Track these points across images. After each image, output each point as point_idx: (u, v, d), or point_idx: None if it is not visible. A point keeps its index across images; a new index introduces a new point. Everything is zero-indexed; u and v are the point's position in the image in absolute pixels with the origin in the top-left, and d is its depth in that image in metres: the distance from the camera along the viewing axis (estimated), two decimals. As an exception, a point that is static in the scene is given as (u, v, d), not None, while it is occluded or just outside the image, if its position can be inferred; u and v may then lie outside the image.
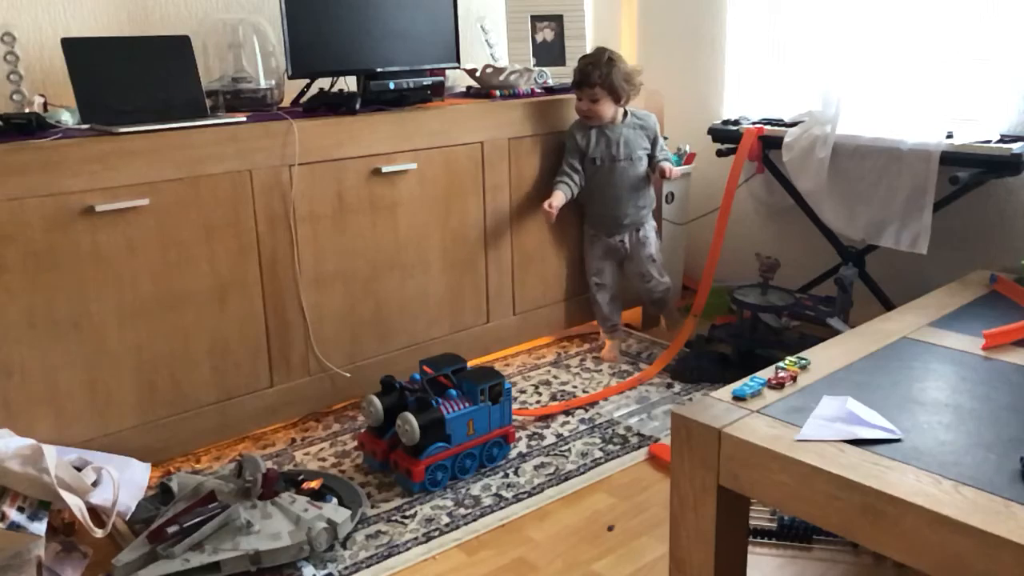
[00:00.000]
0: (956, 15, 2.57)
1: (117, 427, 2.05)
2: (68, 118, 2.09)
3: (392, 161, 2.39)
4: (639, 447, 2.26)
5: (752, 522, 1.83)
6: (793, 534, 1.80)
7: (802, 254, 3.11)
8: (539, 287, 2.85)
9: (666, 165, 2.72)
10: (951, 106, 2.62)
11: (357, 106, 2.36)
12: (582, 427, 2.39)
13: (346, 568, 1.78)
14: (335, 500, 1.94)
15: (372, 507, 2.01)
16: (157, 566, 1.67)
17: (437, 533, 1.91)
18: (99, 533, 1.69)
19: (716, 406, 1.52)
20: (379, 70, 2.51)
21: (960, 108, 2.62)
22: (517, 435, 2.34)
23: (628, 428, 2.37)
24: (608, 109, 2.63)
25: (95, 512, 1.73)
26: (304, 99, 2.47)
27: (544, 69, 2.90)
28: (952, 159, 2.47)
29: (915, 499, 1.21)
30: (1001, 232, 2.62)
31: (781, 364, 1.68)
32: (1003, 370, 1.66)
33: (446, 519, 1.96)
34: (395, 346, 2.52)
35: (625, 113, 2.71)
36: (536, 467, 2.18)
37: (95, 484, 1.75)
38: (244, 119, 2.16)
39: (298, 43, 2.35)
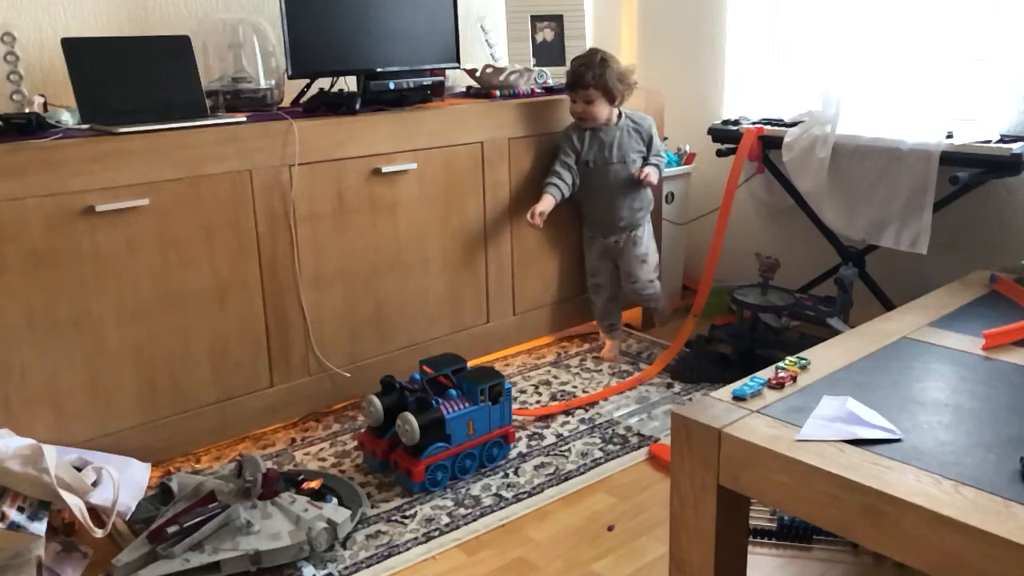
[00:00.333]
0: (956, 15, 2.57)
1: (117, 427, 2.05)
2: (68, 118, 2.09)
3: (392, 161, 2.39)
4: (639, 447, 2.26)
5: (752, 522, 1.83)
6: (793, 534, 1.80)
7: (802, 254, 3.11)
8: (539, 287, 2.85)
9: (647, 169, 2.65)
10: (951, 106, 2.62)
11: (357, 106, 2.36)
12: (582, 427, 2.39)
13: (346, 568, 1.78)
14: (335, 500, 1.94)
15: (372, 507, 2.01)
16: (157, 566, 1.67)
17: (437, 533, 1.91)
18: (99, 533, 1.69)
19: (716, 406, 1.52)
20: (379, 70, 2.51)
21: (960, 108, 2.62)
22: (517, 435, 2.34)
23: (628, 428, 2.37)
24: (603, 110, 2.61)
25: (95, 512, 1.73)
26: (304, 99, 2.47)
27: (544, 69, 2.90)
28: (952, 159, 2.47)
29: (915, 499, 1.21)
30: (1001, 232, 2.62)
31: (781, 364, 1.68)
32: (1003, 370, 1.66)
33: (446, 519, 1.96)
34: (395, 346, 2.52)
35: (620, 114, 2.69)
36: (536, 467, 2.18)
37: (95, 484, 1.75)
38: (244, 119, 2.16)
39: (298, 43, 2.35)
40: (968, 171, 2.42)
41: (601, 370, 2.77)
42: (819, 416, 1.46)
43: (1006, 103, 2.54)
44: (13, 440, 1.70)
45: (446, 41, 2.65)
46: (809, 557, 1.77)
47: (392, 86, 2.50)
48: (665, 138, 3.17)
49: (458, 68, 2.74)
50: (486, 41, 3.12)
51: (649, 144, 2.72)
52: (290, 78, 2.39)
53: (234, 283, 2.18)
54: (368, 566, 1.79)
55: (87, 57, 2.07)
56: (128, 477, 1.86)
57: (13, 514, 1.60)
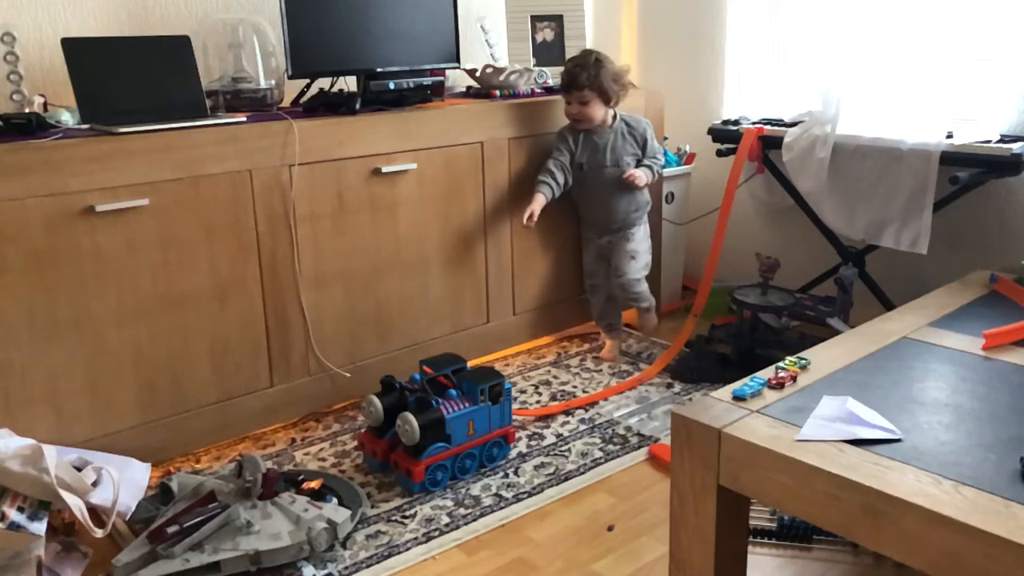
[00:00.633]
0: (956, 15, 2.57)
1: (117, 427, 2.05)
2: (68, 118, 2.09)
3: (392, 161, 2.39)
4: (639, 447, 2.26)
5: (752, 522, 1.83)
6: (793, 534, 1.80)
7: (802, 254, 3.11)
8: (539, 287, 2.85)
9: (634, 171, 2.62)
10: (951, 106, 2.62)
11: (357, 106, 2.36)
12: (582, 427, 2.39)
13: (346, 568, 1.78)
14: (335, 500, 1.94)
15: (372, 507, 2.01)
16: (157, 566, 1.67)
17: (437, 533, 1.91)
18: (99, 533, 1.69)
19: (716, 406, 1.52)
20: (379, 70, 2.51)
21: (960, 108, 2.62)
22: (517, 435, 2.34)
23: (628, 428, 2.37)
24: (598, 111, 2.59)
25: (95, 512, 1.73)
26: (304, 99, 2.47)
27: (544, 69, 2.90)
28: (952, 159, 2.47)
29: (915, 499, 1.21)
30: (1001, 232, 2.62)
31: (781, 364, 1.68)
32: (1003, 370, 1.66)
33: (446, 519, 1.96)
34: (395, 346, 2.52)
35: (615, 116, 2.67)
36: (536, 467, 2.18)
37: (95, 484, 1.75)
38: (244, 119, 2.16)
39: (298, 43, 2.34)
40: (968, 171, 2.42)
41: (601, 370, 2.77)
42: (819, 416, 1.46)
43: (1006, 103, 2.54)
44: (13, 440, 1.70)
45: (446, 41, 2.65)
46: (809, 557, 1.77)
47: (392, 86, 2.50)
48: (665, 138, 3.18)
49: (458, 68, 2.74)
50: (486, 41, 3.12)
51: (644, 147, 2.69)
52: (290, 78, 2.39)
53: (234, 283, 2.18)
54: (368, 566, 1.79)
55: (87, 57, 2.07)
56: (128, 477, 1.86)
57: (13, 514, 1.60)
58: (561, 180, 2.61)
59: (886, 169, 2.62)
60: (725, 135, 3.04)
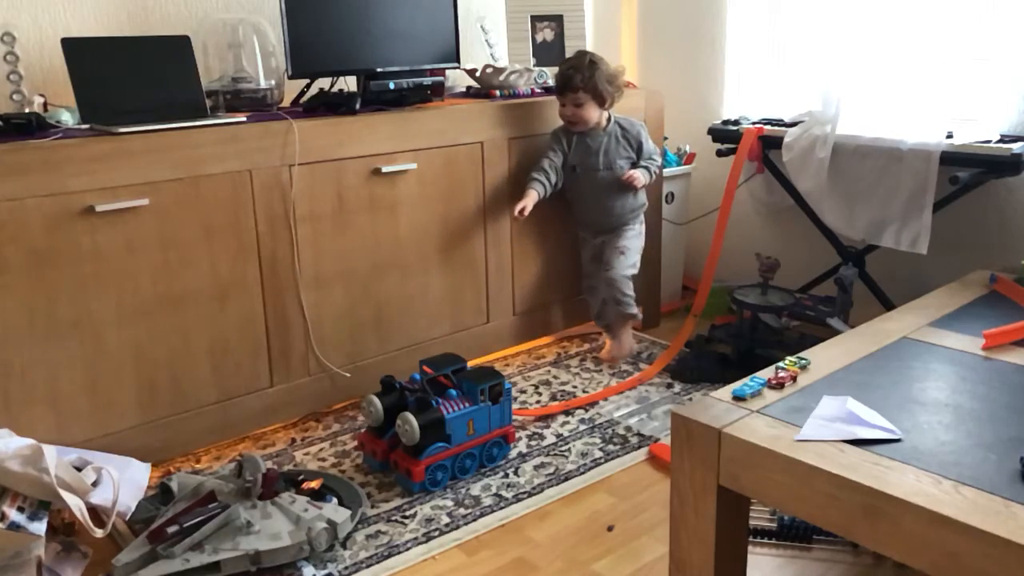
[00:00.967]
0: (956, 15, 2.57)
1: (117, 427, 2.05)
2: (68, 118, 2.09)
3: (392, 161, 2.39)
4: (639, 447, 2.26)
5: (752, 522, 1.83)
6: (793, 534, 1.80)
7: (802, 254, 3.11)
8: (539, 287, 2.85)
9: (632, 172, 2.60)
10: (951, 106, 2.62)
11: (357, 106, 2.36)
12: (582, 427, 2.39)
13: (346, 568, 1.78)
14: (335, 500, 1.94)
15: (372, 507, 2.01)
16: (157, 566, 1.67)
17: (437, 533, 1.91)
18: (99, 533, 1.69)
19: (716, 406, 1.52)
20: (379, 70, 2.51)
21: (960, 108, 2.62)
22: (517, 435, 2.34)
23: (628, 428, 2.37)
24: (593, 113, 2.57)
25: (95, 512, 1.73)
26: (304, 99, 2.47)
27: (544, 69, 2.90)
28: (952, 159, 2.47)
29: (915, 499, 1.21)
30: (1001, 232, 2.62)
31: (781, 364, 1.68)
32: (1003, 370, 1.66)
33: (446, 519, 1.96)
34: (395, 346, 2.52)
35: (609, 118, 2.64)
36: (536, 467, 2.18)
37: (95, 484, 1.75)
38: (244, 119, 2.16)
39: (298, 43, 2.34)
40: (968, 171, 2.42)
41: (601, 370, 2.77)
42: (819, 416, 1.46)
43: (1006, 103, 2.54)
44: (13, 440, 1.70)
45: (446, 41, 2.65)
46: (809, 557, 1.77)
47: (392, 86, 2.50)
48: (665, 138, 3.17)
49: (458, 68, 2.74)
50: (486, 41, 3.12)
51: (639, 150, 2.67)
52: (290, 78, 2.39)
53: (234, 283, 2.17)
54: (368, 566, 1.79)
55: (87, 57, 2.07)
56: (128, 477, 1.86)
57: (13, 514, 1.60)
58: (553, 180, 2.60)
59: (886, 169, 2.62)
60: (725, 135, 3.04)
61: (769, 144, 2.92)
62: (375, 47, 2.51)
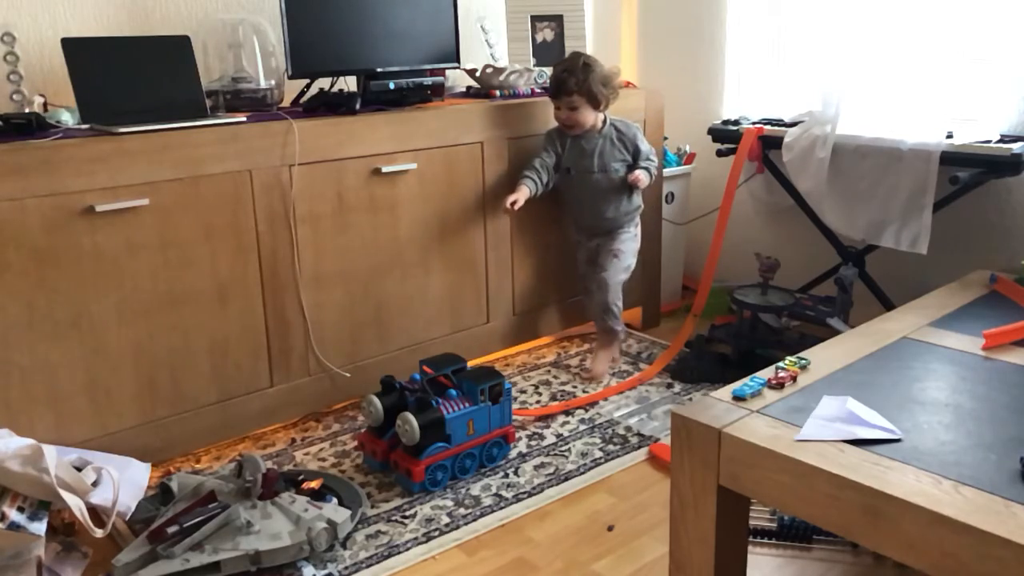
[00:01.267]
0: (956, 15, 2.57)
1: (117, 427, 2.05)
2: (68, 118, 2.09)
3: (392, 161, 2.39)
4: (639, 447, 2.26)
5: (752, 522, 1.83)
6: (793, 534, 1.80)
7: (802, 254, 3.11)
8: (539, 287, 2.85)
9: (638, 173, 2.56)
10: (951, 106, 2.61)
11: (357, 106, 2.36)
12: (582, 427, 2.39)
13: (346, 568, 1.79)
14: (335, 500, 1.94)
15: (372, 507, 2.01)
16: (157, 566, 1.67)
17: (437, 533, 1.91)
18: (99, 533, 1.69)
19: (716, 406, 1.52)
20: (379, 70, 2.51)
21: (960, 108, 2.62)
22: (517, 435, 2.34)
23: (628, 428, 2.37)
24: (589, 116, 2.53)
25: (95, 512, 1.73)
26: (304, 99, 2.47)
27: (544, 69, 2.90)
28: (952, 159, 2.47)
29: (915, 499, 1.21)
30: (1001, 232, 2.62)
31: (781, 364, 1.68)
32: (1003, 370, 1.66)
33: (446, 519, 1.96)
34: (395, 346, 2.52)
35: (605, 120, 2.60)
36: (536, 467, 2.18)
37: (95, 484, 1.75)
38: (244, 119, 2.16)
39: (298, 43, 2.34)
40: (968, 171, 2.42)
41: (601, 370, 2.77)
42: (819, 416, 1.46)
43: (1006, 103, 2.54)
44: (13, 440, 1.70)
45: (446, 41, 2.65)
46: (809, 557, 1.77)
47: (392, 86, 2.50)
48: (665, 138, 3.17)
49: (458, 68, 2.74)
50: (486, 41, 3.12)
51: (636, 153, 2.62)
52: (290, 78, 2.39)
53: (234, 283, 2.17)
54: (368, 566, 1.79)
55: (87, 57, 2.07)
56: (128, 477, 1.86)
57: (13, 514, 1.60)
58: (544, 179, 2.56)
59: (886, 169, 2.62)
60: (725, 135, 3.04)
61: (769, 144, 2.92)
62: (375, 47, 2.51)
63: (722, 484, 1.44)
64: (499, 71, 2.75)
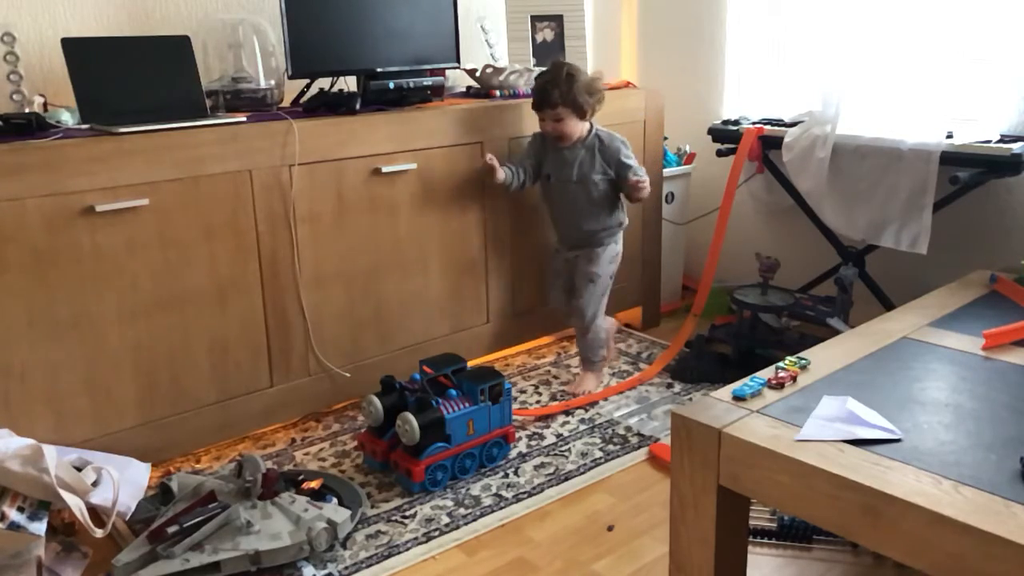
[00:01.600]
0: (956, 15, 2.57)
1: (117, 427, 2.05)
2: (68, 118, 2.09)
3: (392, 161, 2.39)
4: (639, 447, 2.26)
5: (752, 522, 1.83)
6: (793, 534, 1.80)
7: (802, 254, 3.11)
8: (539, 287, 2.85)
9: (633, 178, 2.45)
10: (951, 106, 2.61)
11: (357, 106, 2.36)
12: (582, 427, 2.39)
13: (346, 568, 1.78)
14: (335, 500, 1.94)
15: (372, 507, 2.01)
16: (157, 566, 1.67)
17: (437, 533, 1.91)
18: (99, 533, 1.69)
19: (716, 406, 1.52)
20: (379, 70, 2.51)
21: (960, 108, 2.62)
22: (517, 435, 2.34)
23: (628, 428, 2.37)
24: (575, 127, 2.44)
25: (95, 512, 1.73)
26: (304, 99, 2.47)
27: (544, 69, 2.90)
28: (952, 159, 2.47)
29: (915, 499, 1.21)
30: (1001, 232, 2.62)
31: (781, 364, 1.68)
32: (1003, 370, 1.66)
33: (446, 519, 1.96)
34: (395, 346, 2.52)
35: (591, 130, 2.50)
36: (536, 467, 2.18)
37: (95, 484, 1.75)
38: (244, 119, 2.16)
39: (298, 43, 2.34)
40: (968, 171, 2.42)
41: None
42: (819, 416, 1.46)
43: (1006, 103, 2.54)
44: (13, 440, 1.70)
45: (446, 41, 2.64)
46: (809, 557, 1.77)
47: (392, 86, 2.50)
48: (665, 138, 3.17)
49: (458, 68, 2.74)
50: (486, 41, 3.12)
51: (618, 168, 2.48)
52: (290, 78, 2.39)
53: (234, 283, 2.17)
54: (368, 566, 1.79)
55: (87, 57, 2.07)
56: (128, 477, 1.86)
57: (13, 514, 1.60)
58: (522, 177, 2.51)
59: (886, 169, 2.62)
60: (725, 135, 3.04)
61: (769, 144, 2.92)
62: (375, 47, 2.51)
63: (722, 484, 1.44)
64: (499, 71, 2.75)
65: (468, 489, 2.09)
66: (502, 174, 2.46)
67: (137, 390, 2.07)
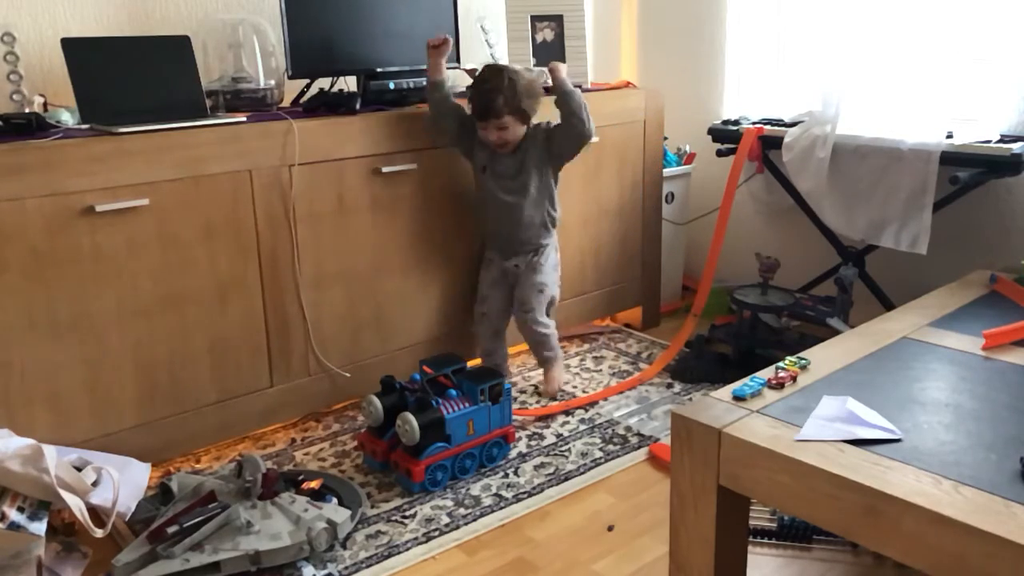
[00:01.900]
0: (956, 15, 2.57)
1: (117, 427, 2.05)
2: (68, 118, 2.09)
3: (392, 161, 2.39)
4: (639, 447, 2.26)
5: (752, 522, 1.83)
6: (793, 534, 1.80)
7: (802, 254, 3.11)
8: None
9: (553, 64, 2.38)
10: (951, 106, 2.62)
11: (357, 106, 2.36)
12: (582, 427, 2.39)
13: (346, 568, 1.78)
14: (335, 500, 1.94)
15: (372, 507, 2.01)
16: (157, 566, 1.67)
17: (437, 533, 1.91)
18: (99, 533, 1.69)
19: (716, 406, 1.52)
20: (379, 70, 2.51)
21: (960, 108, 2.62)
22: (517, 435, 2.34)
23: (628, 428, 2.37)
24: (518, 132, 2.37)
25: (95, 512, 1.73)
26: (304, 99, 2.47)
27: (544, 69, 2.89)
28: (952, 159, 2.47)
29: (915, 499, 1.21)
30: (1001, 232, 2.62)
31: (781, 364, 1.68)
32: (1003, 370, 1.66)
33: (446, 519, 1.96)
34: (395, 346, 2.52)
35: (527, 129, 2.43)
36: (536, 467, 2.18)
37: (95, 484, 1.75)
38: (244, 119, 2.16)
39: (298, 43, 2.34)
40: (968, 171, 2.42)
41: (601, 370, 2.77)
42: (819, 416, 1.46)
43: (1006, 103, 2.54)
44: (13, 440, 1.70)
45: (446, 41, 2.64)
46: (809, 557, 1.77)
47: (392, 86, 2.50)
48: (665, 138, 3.17)
49: (458, 68, 2.74)
50: (486, 41, 3.12)
51: (549, 135, 2.41)
52: (290, 78, 2.39)
53: (234, 283, 2.17)
54: (368, 566, 1.79)
55: (87, 57, 2.07)
56: (128, 477, 1.86)
57: (13, 514, 1.60)
58: (454, 113, 2.36)
59: (886, 169, 2.62)
60: (725, 135, 3.04)
61: (769, 144, 2.92)
62: (375, 47, 2.51)
63: (722, 484, 1.44)
64: (499, 71, 2.74)
65: (468, 489, 2.09)
66: (444, 75, 2.34)
67: (137, 390, 2.07)
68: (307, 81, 2.49)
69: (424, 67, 2.52)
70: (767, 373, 1.64)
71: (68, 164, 1.87)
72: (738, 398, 1.54)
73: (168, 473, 2.15)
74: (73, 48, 2.06)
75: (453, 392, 2.13)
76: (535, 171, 2.43)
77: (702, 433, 1.45)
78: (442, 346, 2.59)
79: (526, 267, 2.51)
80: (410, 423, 2.00)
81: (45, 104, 2.20)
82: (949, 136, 2.51)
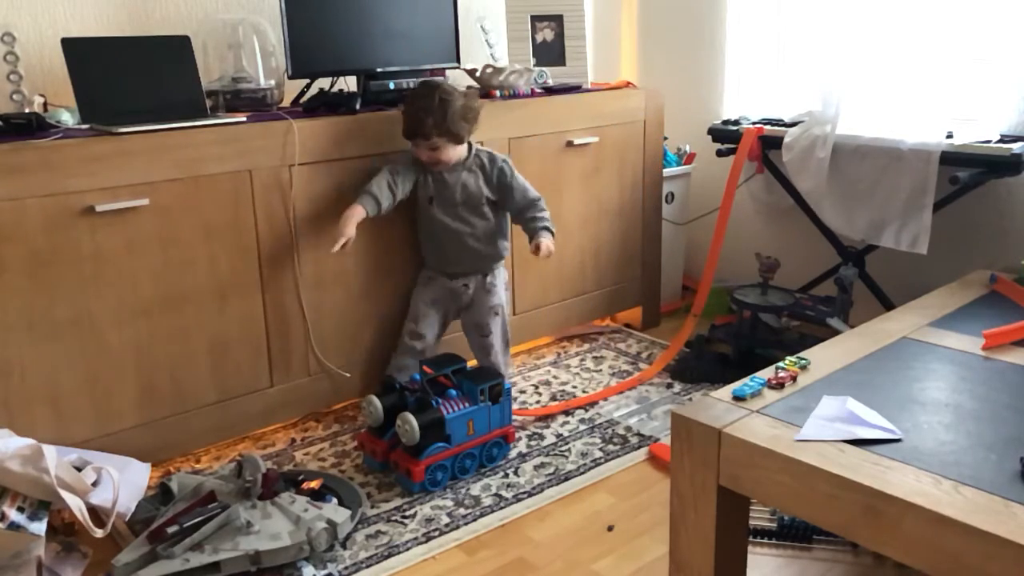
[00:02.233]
0: (956, 15, 2.57)
1: (117, 427, 2.05)
2: (68, 118, 2.09)
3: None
4: (639, 447, 2.26)
5: (752, 522, 1.83)
6: (793, 534, 1.80)
7: (802, 254, 3.11)
8: (539, 287, 2.85)
9: (544, 242, 2.28)
10: (951, 106, 2.62)
11: (357, 106, 2.36)
12: (582, 427, 2.39)
13: (346, 568, 1.78)
14: (335, 500, 1.94)
15: (372, 507, 2.01)
16: (157, 566, 1.67)
17: (437, 533, 1.91)
18: (99, 533, 1.69)
19: (716, 406, 1.52)
20: (379, 70, 2.51)
21: (960, 108, 2.62)
22: (517, 435, 2.34)
23: (628, 428, 2.37)
24: (452, 153, 2.28)
25: (95, 512, 1.73)
26: (304, 99, 2.47)
27: (544, 69, 2.90)
28: (952, 159, 2.47)
29: (915, 499, 1.21)
30: (1001, 232, 2.62)
31: (781, 364, 1.68)
32: (1003, 370, 1.66)
33: (446, 519, 1.96)
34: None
35: (470, 148, 2.36)
36: (536, 467, 2.18)
37: (95, 484, 1.75)
38: (244, 119, 2.16)
39: (298, 43, 2.34)
40: (968, 171, 2.42)
41: (601, 370, 2.77)
42: (819, 416, 1.46)
43: (1006, 103, 2.54)
44: (13, 440, 1.70)
45: (446, 41, 2.65)
46: (809, 557, 1.77)
47: (392, 86, 2.50)
48: (665, 138, 3.17)
49: (458, 68, 2.74)
50: (486, 41, 3.12)
51: (506, 192, 2.35)
52: (290, 78, 2.39)
53: (234, 283, 2.17)
54: (368, 566, 1.79)
55: (87, 57, 2.07)
56: (128, 477, 1.86)
57: (13, 514, 1.60)
58: (388, 198, 2.25)
59: (886, 169, 2.62)
60: (725, 135, 3.04)
61: (769, 144, 2.92)
62: (375, 47, 2.51)
63: (722, 484, 1.44)
64: (499, 71, 2.75)
65: (468, 489, 2.09)
66: (359, 219, 2.18)
67: (137, 390, 2.07)
68: (307, 81, 2.49)
69: (424, 67, 2.53)
70: (767, 373, 1.64)
71: (68, 164, 1.87)
72: (738, 398, 1.54)
73: (168, 473, 2.15)
74: (73, 48, 2.06)
75: (453, 392, 2.13)
76: (481, 199, 2.36)
77: (702, 433, 1.45)
78: (442, 346, 2.58)
79: (479, 288, 2.42)
80: (410, 423, 2.00)
81: (45, 104, 2.20)
82: (949, 136, 2.51)
